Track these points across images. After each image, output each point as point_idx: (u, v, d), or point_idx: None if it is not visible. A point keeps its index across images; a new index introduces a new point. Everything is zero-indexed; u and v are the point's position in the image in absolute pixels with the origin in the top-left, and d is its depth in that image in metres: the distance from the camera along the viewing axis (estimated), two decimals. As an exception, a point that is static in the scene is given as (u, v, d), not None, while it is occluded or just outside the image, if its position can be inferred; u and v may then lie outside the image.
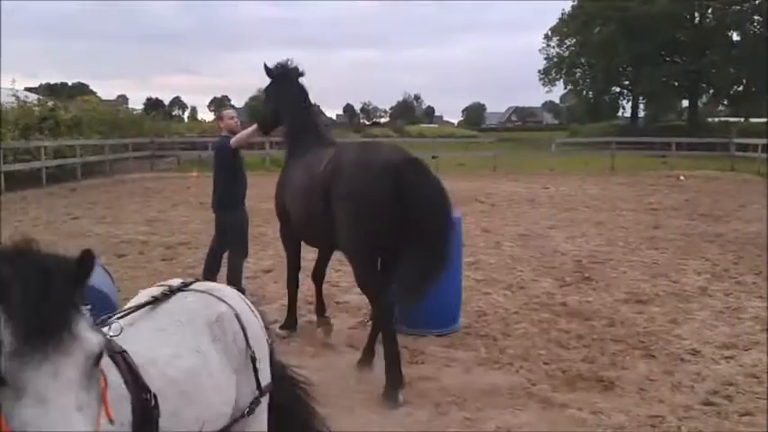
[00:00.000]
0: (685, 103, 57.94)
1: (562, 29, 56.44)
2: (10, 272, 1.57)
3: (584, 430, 4.68)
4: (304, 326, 6.97)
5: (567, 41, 57.00)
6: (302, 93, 6.72)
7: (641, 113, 60.08)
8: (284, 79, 6.71)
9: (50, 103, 27.28)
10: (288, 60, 6.69)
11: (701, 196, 18.80)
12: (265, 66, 6.81)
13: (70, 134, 25.34)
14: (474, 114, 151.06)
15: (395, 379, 5.26)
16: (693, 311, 7.50)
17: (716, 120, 55.78)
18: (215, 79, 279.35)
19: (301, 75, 6.71)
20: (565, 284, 8.78)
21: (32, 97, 29.20)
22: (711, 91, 53.91)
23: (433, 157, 29.39)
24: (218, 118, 8.17)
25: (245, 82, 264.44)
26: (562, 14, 56.56)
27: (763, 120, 42.55)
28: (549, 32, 58.29)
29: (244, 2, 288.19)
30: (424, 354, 6.23)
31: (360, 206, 5.34)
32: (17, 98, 25.70)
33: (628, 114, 61.39)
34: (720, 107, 61.42)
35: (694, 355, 6.16)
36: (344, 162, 5.62)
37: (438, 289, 6.72)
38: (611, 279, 9.01)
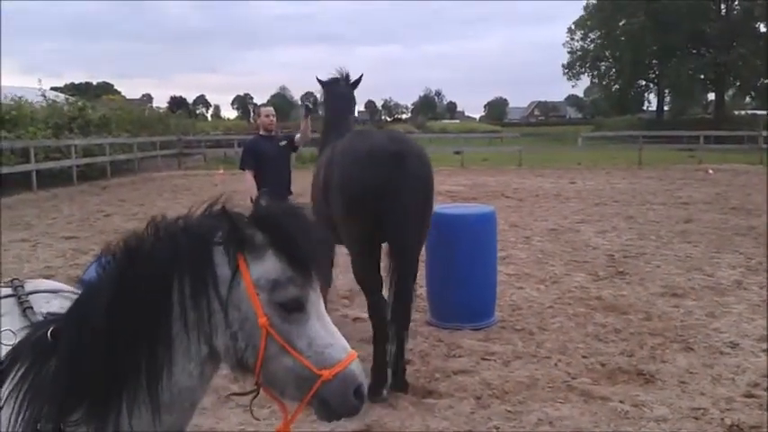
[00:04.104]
0: (711, 96, 57.37)
1: (586, 22, 56.09)
2: (287, 219, 1.93)
3: (627, 423, 4.69)
4: (338, 320, 7.01)
5: (591, 35, 56.65)
6: (340, 98, 6.65)
7: (666, 107, 59.59)
8: (329, 88, 6.72)
9: (80, 103, 27.62)
10: (340, 70, 6.64)
11: (732, 190, 18.60)
12: (317, 78, 6.83)
13: (99, 133, 25.70)
14: (496, 109, 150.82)
15: (380, 377, 5.18)
16: (730, 305, 7.46)
17: (742, 113, 55.11)
18: (237, 77, 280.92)
19: (350, 83, 6.62)
20: (598, 278, 8.76)
21: (60, 97, 29.60)
22: (738, 83, 53.31)
23: (457, 153, 29.44)
24: (256, 114, 8.25)
25: (267, 79, 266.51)
26: (586, 7, 56.22)
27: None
28: (573, 26, 58.00)
29: (259, 1, 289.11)
30: (461, 347, 6.26)
31: (348, 195, 5.26)
32: (45, 97, 26.08)
33: (653, 108, 60.92)
34: (747, 99, 60.68)
35: (733, 347, 6.13)
36: (336, 152, 5.62)
37: (473, 283, 6.82)
38: (646, 273, 8.98)
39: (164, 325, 1.83)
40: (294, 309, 1.89)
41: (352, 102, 6.62)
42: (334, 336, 1.95)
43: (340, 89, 6.60)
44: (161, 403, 1.82)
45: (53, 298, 2.40)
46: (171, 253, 1.85)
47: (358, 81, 6.66)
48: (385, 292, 5.34)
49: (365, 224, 5.17)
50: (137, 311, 1.81)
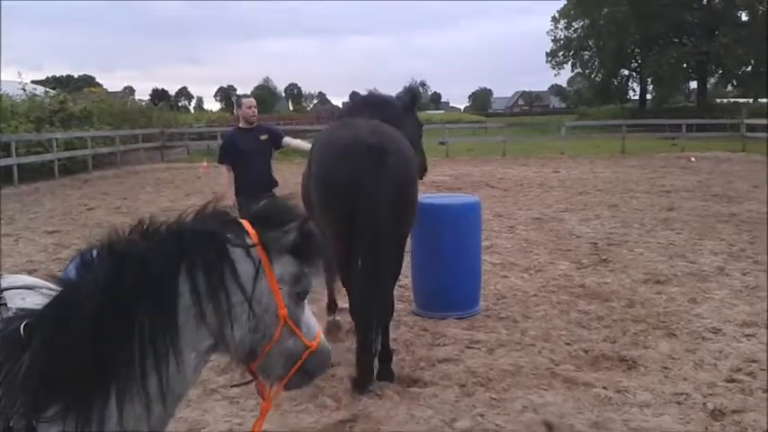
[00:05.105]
0: (693, 84, 57.68)
1: (570, 11, 56.14)
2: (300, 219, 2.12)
3: (610, 408, 4.72)
4: (323, 312, 6.99)
5: (574, 24, 56.76)
6: (367, 100, 6.32)
7: (649, 95, 59.85)
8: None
9: (61, 96, 27.36)
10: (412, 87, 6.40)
11: (714, 177, 18.74)
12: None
13: (81, 126, 25.44)
14: (481, 99, 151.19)
15: (365, 373, 5.11)
16: (712, 291, 7.53)
17: (724, 101, 55.45)
18: (220, 69, 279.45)
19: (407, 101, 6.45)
20: (582, 266, 8.81)
21: (40, 90, 29.31)
22: (720, 72, 53.62)
23: (441, 143, 29.43)
24: (237, 105, 7.95)
25: (251, 72, 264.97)
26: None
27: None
28: (557, 14, 58.04)
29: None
30: (445, 336, 6.28)
31: (324, 188, 5.14)
32: (25, 91, 25.81)
33: (636, 97, 61.17)
34: (729, 88, 61.05)
35: (715, 333, 6.18)
36: (317, 142, 5.46)
37: (458, 272, 6.84)
38: (628, 260, 9.03)
39: (169, 317, 1.87)
40: (304, 296, 2.14)
41: (380, 109, 5.94)
42: (311, 313, 2.22)
43: (375, 96, 6.34)
44: (158, 394, 1.85)
45: (29, 294, 2.38)
46: (178, 248, 1.92)
47: (412, 99, 6.51)
48: None
49: (341, 218, 5.02)
50: (137, 305, 1.83)
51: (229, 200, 7.10)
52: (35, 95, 26.41)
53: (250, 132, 7.55)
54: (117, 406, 1.79)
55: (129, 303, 1.82)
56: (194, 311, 1.90)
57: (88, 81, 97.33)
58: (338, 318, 6.37)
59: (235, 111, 8.55)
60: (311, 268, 2.13)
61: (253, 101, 7.84)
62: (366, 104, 6.17)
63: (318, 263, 2.16)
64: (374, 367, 5.19)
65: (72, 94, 31.93)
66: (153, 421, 1.87)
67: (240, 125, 7.73)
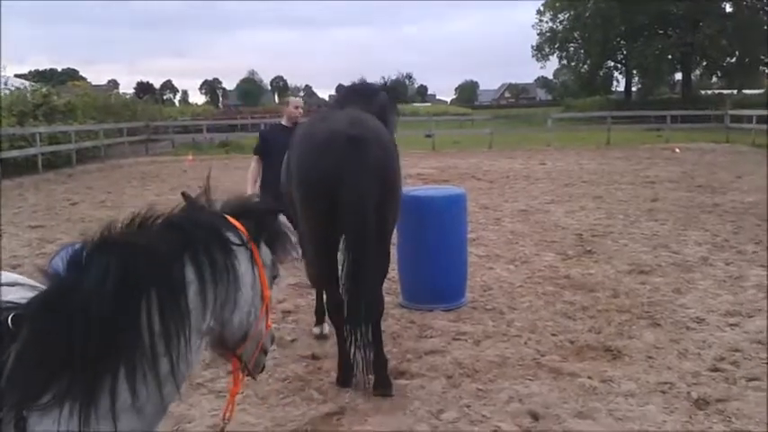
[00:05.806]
0: (678, 76, 57.96)
1: (555, 3, 56.23)
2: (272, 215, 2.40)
3: (595, 398, 4.76)
4: (310, 302, 6.99)
5: (560, 16, 56.85)
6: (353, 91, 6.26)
7: (634, 87, 60.11)
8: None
9: (44, 89, 27.12)
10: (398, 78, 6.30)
11: (698, 168, 18.88)
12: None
13: (65, 120, 25.22)
14: (467, 92, 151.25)
15: (346, 372, 5.07)
16: (696, 281, 7.59)
17: (709, 92, 55.79)
18: (205, 62, 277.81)
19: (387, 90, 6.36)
20: (567, 258, 8.85)
21: (24, 84, 29.04)
22: (704, 63, 53.92)
23: (428, 136, 29.43)
24: (285, 103, 7.89)
25: (235, 64, 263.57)
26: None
27: (756, 91, 42.64)
28: (542, 7, 58.13)
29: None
30: (432, 328, 6.29)
31: (305, 184, 4.95)
32: (5, 84, 25.57)
33: (621, 88, 61.41)
34: (713, 79, 61.41)
35: (699, 323, 6.24)
36: (296, 135, 5.37)
37: (444, 264, 6.86)
38: (613, 251, 9.09)
39: (180, 303, 1.93)
40: (275, 280, 2.40)
41: (366, 99, 5.82)
42: None
43: (360, 86, 6.22)
44: (169, 375, 1.90)
45: (11, 291, 2.35)
46: (181, 239, 2.00)
47: (393, 90, 6.48)
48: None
49: (324, 215, 4.82)
50: (148, 293, 1.87)
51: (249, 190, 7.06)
52: (19, 89, 26.18)
53: (290, 131, 7.49)
54: (128, 386, 1.80)
55: (140, 291, 1.86)
56: (202, 297, 1.99)
57: (72, 75, 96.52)
58: (326, 332, 6.19)
59: (283, 108, 8.19)
60: (280, 255, 2.37)
61: (300, 101, 7.97)
62: (352, 94, 6.08)
63: (285, 250, 2.40)
64: (354, 363, 5.01)
65: (56, 88, 31.65)
66: (165, 400, 1.93)
67: (282, 122, 7.72)
